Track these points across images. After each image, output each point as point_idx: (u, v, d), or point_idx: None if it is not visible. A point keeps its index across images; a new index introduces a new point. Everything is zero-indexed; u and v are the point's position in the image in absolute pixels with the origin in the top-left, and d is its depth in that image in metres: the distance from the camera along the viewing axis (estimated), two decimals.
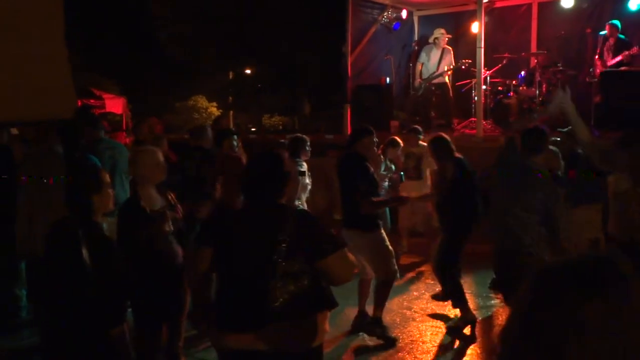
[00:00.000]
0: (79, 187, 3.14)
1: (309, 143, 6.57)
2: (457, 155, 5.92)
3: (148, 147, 4.78)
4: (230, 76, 20.44)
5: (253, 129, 18.56)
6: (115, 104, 16.68)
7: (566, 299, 1.12)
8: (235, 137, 6.72)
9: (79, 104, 11.95)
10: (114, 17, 18.87)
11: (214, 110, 18.89)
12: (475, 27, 10.79)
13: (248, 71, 20.63)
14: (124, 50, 19.06)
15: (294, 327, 2.83)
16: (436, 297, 6.60)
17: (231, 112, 18.21)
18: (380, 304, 5.59)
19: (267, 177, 2.96)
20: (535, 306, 1.17)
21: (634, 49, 9.68)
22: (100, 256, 2.95)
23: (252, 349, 2.80)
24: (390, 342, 5.46)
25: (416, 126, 8.72)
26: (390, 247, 5.54)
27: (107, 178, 3.28)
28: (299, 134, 6.85)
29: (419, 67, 11.57)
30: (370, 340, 5.54)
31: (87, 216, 3.07)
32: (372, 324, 5.63)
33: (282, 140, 7.37)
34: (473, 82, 10.99)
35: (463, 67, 11.10)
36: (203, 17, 18.21)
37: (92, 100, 15.63)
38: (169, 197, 4.34)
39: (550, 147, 5.46)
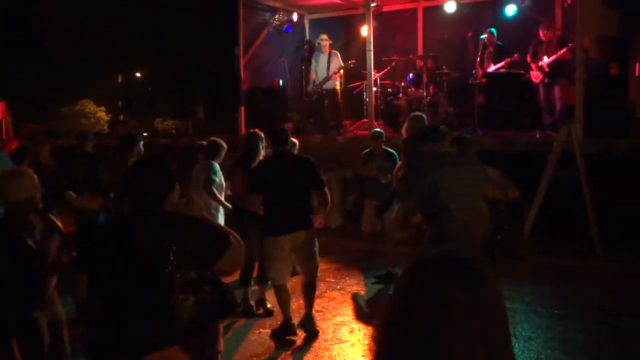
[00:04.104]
0: None
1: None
2: None
3: (22, 168, 4.10)
4: (119, 79, 19.76)
5: (145, 134, 18.06)
6: None
7: (435, 287, 1.24)
8: (142, 142, 6.74)
9: None
10: None
11: (103, 114, 18.16)
12: (365, 31, 11.10)
13: (138, 74, 20.05)
14: (3, 50, 17.95)
15: (200, 342, 2.67)
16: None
17: (121, 116, 17.62)
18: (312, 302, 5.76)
19: (153, 184, 2.76)
20: (409, 294, 1.28)
21: (515, 56, 10.33)
22: None
23: None
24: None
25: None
26: None
27: None
28: (217, 139, 7.00)
29: (312, 74, 11.73)
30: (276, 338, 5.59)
31: None
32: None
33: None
34: (364, 84, 11.30)
35: (347, 67, 11.34)
36: (89, 17, 17.52)
37: None
38: (50, 218, 3.75)
39: None
